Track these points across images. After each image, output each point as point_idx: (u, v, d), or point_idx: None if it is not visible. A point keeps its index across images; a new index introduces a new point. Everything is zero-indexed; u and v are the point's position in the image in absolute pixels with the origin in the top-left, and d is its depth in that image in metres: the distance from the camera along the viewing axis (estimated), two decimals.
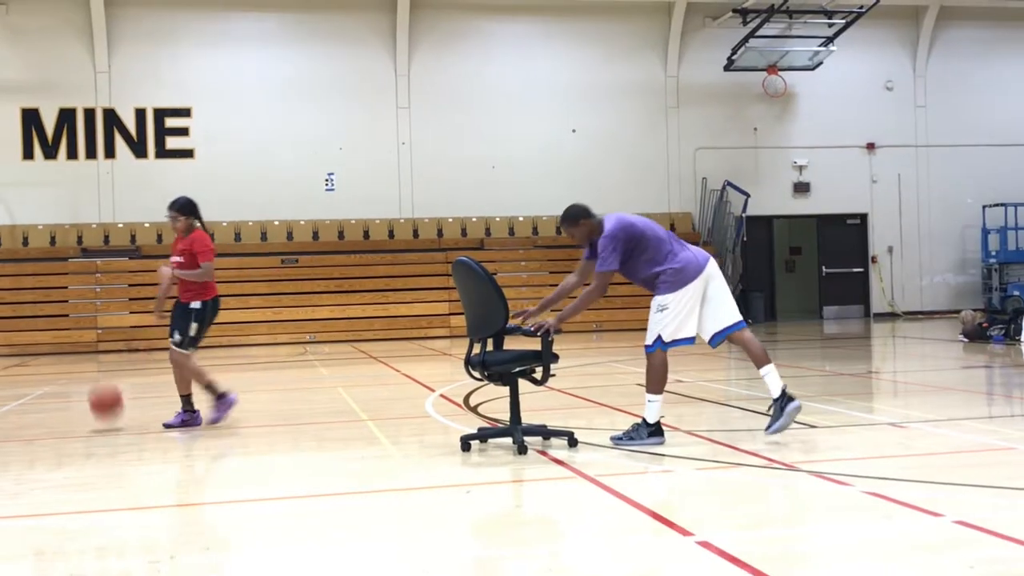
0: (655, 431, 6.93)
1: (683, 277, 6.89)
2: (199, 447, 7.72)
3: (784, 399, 6.85)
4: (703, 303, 6.95)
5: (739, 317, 7.02)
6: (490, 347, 6.97)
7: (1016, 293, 22.28)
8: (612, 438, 7.00)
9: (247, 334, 19.67)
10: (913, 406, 8.98)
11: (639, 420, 7.03)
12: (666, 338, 6.88)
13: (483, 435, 7.12)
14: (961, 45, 24.12)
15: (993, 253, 23.46)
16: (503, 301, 6.68)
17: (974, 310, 17.74)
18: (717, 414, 8.69)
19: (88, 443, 7.99)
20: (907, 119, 23.97)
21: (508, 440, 6.89)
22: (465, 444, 6.91)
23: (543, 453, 6.72)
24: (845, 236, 23.76)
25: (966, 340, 15.53)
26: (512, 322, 6.88)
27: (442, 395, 10.21)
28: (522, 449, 6.68)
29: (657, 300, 6.92)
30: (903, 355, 15.60)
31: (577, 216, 7.08)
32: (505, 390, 6.94)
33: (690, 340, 6.99)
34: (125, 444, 7.94)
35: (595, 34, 22.58)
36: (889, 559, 4.26)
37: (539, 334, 6.69)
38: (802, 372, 12.40)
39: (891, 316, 23.65)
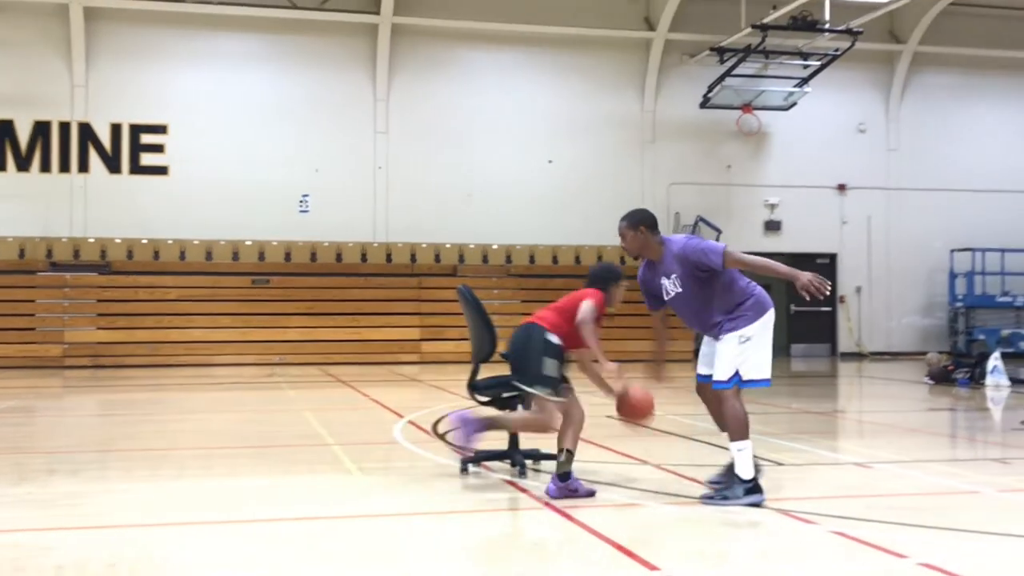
0: (753, 487, 5.99)
1: (762, 305, 6.17)
2: (162, 467, 7.64)
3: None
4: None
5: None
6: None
7: (982, 337, 22.53)
8: (702, 498, 6.09)
9: (214, 353, 19.54)
10: (878, 446, 9.03)
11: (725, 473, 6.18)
12: (744, 375, 6.06)
13: (482, 457, 7.20)
14: (933, 91, 24.48)
15: (960, 297, 23.71)
16: (489, 329, 6.86)
17: (940, 353, 17.90)
18: (686, 449, 8.71)
19: (50, 459, 7.89)
20: (878, 162, 24.26)
21: (484, 468, 6.87)
22: (463, 467, 7.02)
23: (511, 483, 6.71)
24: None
25: (931, 382, 15.66)
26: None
27: (411, 422, 10.16)
28: (523, 472, 6.80)
29: (739, 332, 6.04)
30: (869, 395, 15.70)
31: (639, 221, 6.33)
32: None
33: (768, 382, 6.15)
34: (88, 462, 7.84)
35: (574, 66, 22.74)
36: None
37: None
38: (769, 409, 12.45)
39: (858, 356, 23.82)
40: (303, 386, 15.26)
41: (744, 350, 6.05)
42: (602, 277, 6.68)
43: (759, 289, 6.23)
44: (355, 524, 5.71)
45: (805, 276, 5.83)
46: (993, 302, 23.55)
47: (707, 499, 6.08)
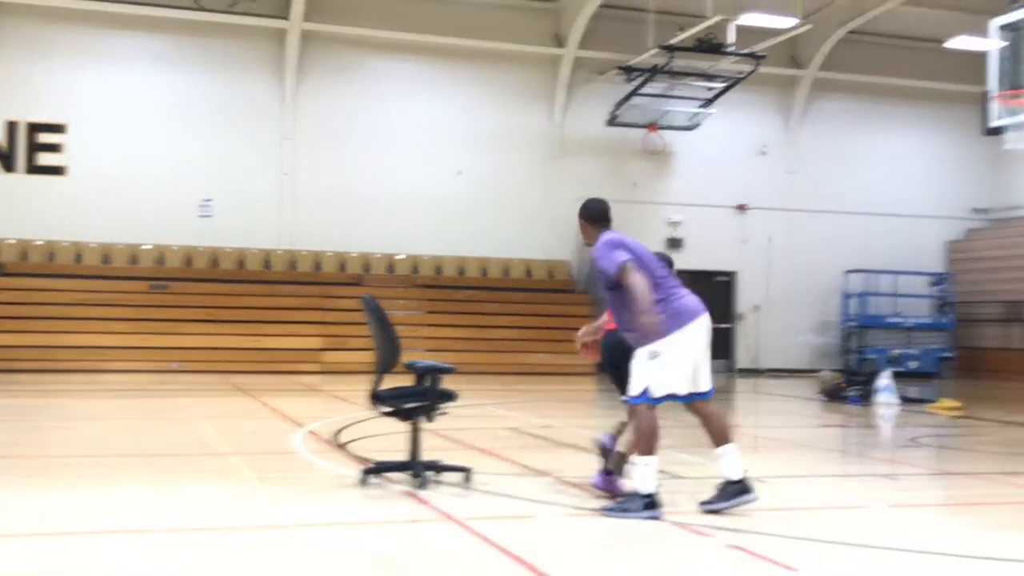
0: (651, 503, 6.02)
1: (678, 319, 6.10)
2: (49, 474, 7.41)
3: (741, 486, 6.21)
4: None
5: (710, 385, 6.32)
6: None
7: (873, 356, 23.23)
8: (602, 510, 6.15)
9: (110, 359, 19.00)
10: (773, 461, 9.23)
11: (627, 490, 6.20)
12: (655, 391, 6.06)
13: (382, 468, 7.15)
14: (831, 116, 25.20)
15: (853, 317, 24.40)
16: (393, 340, 6.83)
17: (833, 371, 18.37)
18: (585, 461, 8.78)
19: None
20: (778, 183, 24.85)
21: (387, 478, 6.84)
22: (363, 478, 6.93)
23: (412, 495, 6.68)
24: (714, 293, 24.38)
25: (824, 399, 16.08)
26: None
27: (311, 431, 10.06)
28: (423, 484, 6.74)
29: (649, 348, 6.06)
30: (764, 411, 16.06)
31: (581, 210, 6.48)
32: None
33: (677, 398, 6.18)
34: None
35: (485, 79, 22.82)
36: None
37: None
38: (666, 423, 12.62)
39: (754, 372, 24.34)
40: (201, 394, 14.98)
41: (653, 367, 6.07)
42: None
43: (681, 302, 6.18)
44: (252, 535, 5.62)
45: (643, 320, 5.91)
46: (884, 322, 24.31)
47: (607, 511, 6.14)
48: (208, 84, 21.31)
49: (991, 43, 12.83)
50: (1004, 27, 12.63)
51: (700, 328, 6.21)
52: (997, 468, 9.17)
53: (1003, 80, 12.50)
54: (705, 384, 6.28)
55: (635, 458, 6.10)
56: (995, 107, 12.34)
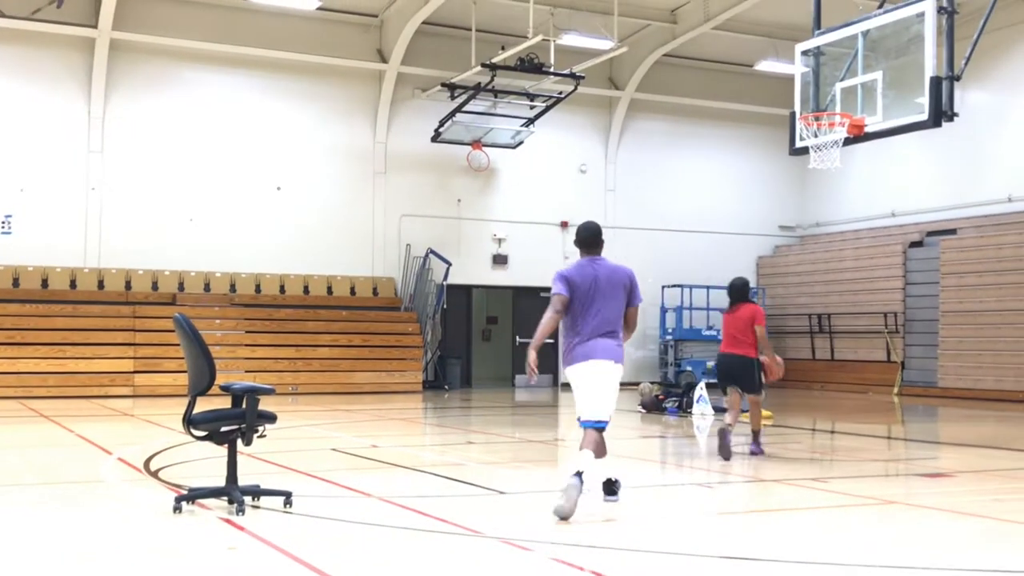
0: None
1: (571, 357, 7.11)
2: None
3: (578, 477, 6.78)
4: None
5: (599, 418, 7.11)
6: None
7: (689, 368, 23.99)
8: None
9: None
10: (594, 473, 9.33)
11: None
12: (579, 415, 7.09)
13: (197, 494, 6.84)
14: (647, 136, 25.95)
15: (670, 330, 25.14)
16: (208, 360, 6.59)
17: (652, 383, 18.84)
18: (410, 480, 8.68)
19: None
20: (598, 201, 25.39)
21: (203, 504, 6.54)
22: (177, 505, 6.61)
23: (228, 521, 6.41)
24: (538, 308, 24.20)
25: (644, 411, 16.47)
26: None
27: (120, 459, 9.56)
28: (240, 509, 6.50)
29: None
30: None
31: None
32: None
33: (590, 423, 7.07)
34: None
35: (306, 94, 22.41)
36: None
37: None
38: (493, 439, 12.66)
39: None
40: (1, 422, 14.08)
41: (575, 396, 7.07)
42: (749, 289, 10.26)
43: (579, 340, 7.02)
44: (56, 569, 5.26)
45: (528, 357, 6.94)
46: (700, 335, 25.13)
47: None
48: (8, 94, 20.13)
49: (796, 67, 13.45)
50: (806, 52, 13.26)
51: (577, 371, 7.07)
52: (808, 474, 9.56)
53: (807, 102, 13.12)
54: (600, 416, 7.13)
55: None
56: (800, 128, 12.92)
